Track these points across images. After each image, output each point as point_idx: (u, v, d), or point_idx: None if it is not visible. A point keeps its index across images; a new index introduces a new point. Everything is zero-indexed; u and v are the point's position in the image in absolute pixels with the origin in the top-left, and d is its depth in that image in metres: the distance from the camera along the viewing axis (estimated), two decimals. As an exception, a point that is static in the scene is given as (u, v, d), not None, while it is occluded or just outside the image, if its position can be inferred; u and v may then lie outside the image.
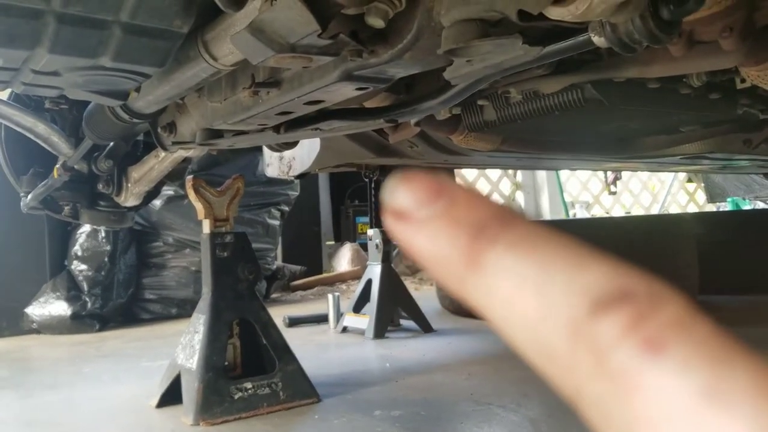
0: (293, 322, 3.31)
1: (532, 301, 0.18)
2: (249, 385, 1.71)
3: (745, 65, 1.25)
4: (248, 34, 0.91)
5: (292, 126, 1.51)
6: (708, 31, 1.16)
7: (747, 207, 7.37)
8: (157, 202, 3.88)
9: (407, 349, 2.57)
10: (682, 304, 0.17)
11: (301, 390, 1.79)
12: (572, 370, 0.17)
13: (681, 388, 0.16)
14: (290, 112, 1.37)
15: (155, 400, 1.84)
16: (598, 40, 0.94)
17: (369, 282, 2.98)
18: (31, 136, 2.01)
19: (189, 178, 1.85)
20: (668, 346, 0.16)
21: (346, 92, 1.19)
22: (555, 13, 0.78)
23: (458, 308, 3.28)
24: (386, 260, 2.97)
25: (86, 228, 3.78)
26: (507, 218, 0.20)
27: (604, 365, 0.17)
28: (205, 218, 1.84)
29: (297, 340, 2.84)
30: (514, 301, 0.19)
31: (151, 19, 0.97)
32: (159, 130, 1.79)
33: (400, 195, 0.21)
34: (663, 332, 0.16)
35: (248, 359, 1.84)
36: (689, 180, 8.77)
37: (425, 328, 2.90)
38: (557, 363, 0.18)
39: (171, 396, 1.82)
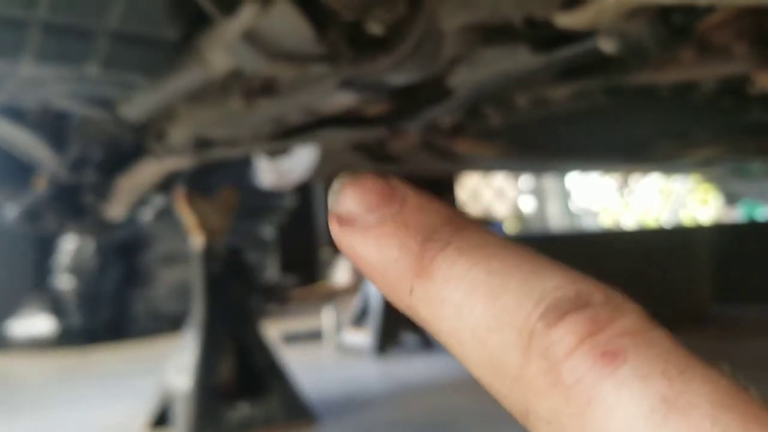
0: (289, 338, 3.31)
1: (484, 309, 0.18)
2: (243, 406, 1.71)
3: (757, 70, 1.25)
4: (242, 42, 0.92)
5: (287, 134, 1.51)
6: (719, 36, 1.17)
7: (762, 211, 7.36)
8: (146, 214, 3.88)
9: (408, 365, 2.57)
10: (641, 313, 0.17)
11: (297, 411, 1.78)
12: (523, 384, 0.17)
13: (638, 401, 0.15)
14: (285, 121, 1.38)
15: (146, 422, 1.83)
16: (607, 46, 0.94)
17: (368, 294, 2.98)
18: (15, 147, 2.01)
19: (180, 189, 1.85)
20: (625, 357, 0.16)
21: (343, 100, 1.19)
22: (563, 20, 0.78)
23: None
24: (386, 272, 2.96)
25: (72, 240, 3.77)
26: (460, 223, 0.19)
27: (558, 378, 0.16)
28: (197, 232, 1.84)
29: (293, 357, 2.82)
30: (464, 309, 0.18)
31: (140, 27, 0.98)
32: (149, 139, 1.79)
33: (347, 198, 0.20)
34: (620, 342, 0.16)
35: (243, 379, 1.83)
36: (701, 184, 8.79)
37: (427, 342, 2.90)
38: (507, 377, 0.17)
39: (162, 418, 1.81)
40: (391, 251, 0.19)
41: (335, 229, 0.20)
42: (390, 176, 0.21)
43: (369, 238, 0.20)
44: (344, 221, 0.20)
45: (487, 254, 0.18)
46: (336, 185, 0.21)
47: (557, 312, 0.17)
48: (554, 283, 0.17)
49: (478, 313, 0.18)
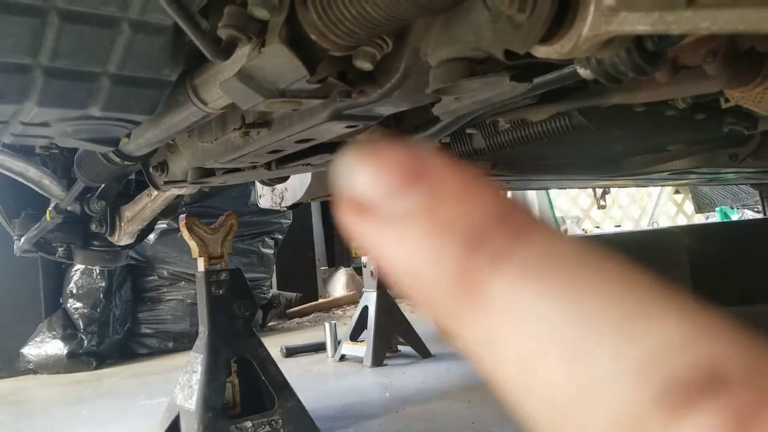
0: (290, 353, 3.28)
1: (561, 370, 0.12)
2: (249, 423, 1.69)
3: (730, 88, 1.25)
4: (237, 81, 0.91)
5: (283, 162, 1.50)
6: (692, 56, 1.17)
7: (735, 215, 7.40)
8: (150, 236, 3.85)
9: (406, 376, 2.55)
10: None
11: (301, 426, 1.76)
12: None
13: None
14: (281, 150, 1.37)
15: (155, 442, 1.82)
16: (584, 73, 0.94)
17: (365, 309, 2.96)
18: (22, 180, 2.00)
19: (182, 216, 1.84)
20: None
21: (335, 130, 1.19)
22: (541, 52, 0.77)
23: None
24: (381, 287, 2.95)
25: (81, 266, 3.75)
26: (519, 222, 0.13)
27: None
28: (200, 256, 1.83)
29: (295, 370, 2.81)
30: (532, 364, 0.13)
31: (139, 68, 0.97)
32: (151, 170, 1.78)
33: (365, 177, 0.14)
34: None
35: (247, 397, 1.81)
36: (677, 191, 8.82)
37: (423, 353, 2.88)
38: None
39: (172, 437, 1.79)
40: (426, 258, 0.14)
41: (349, 218, 0.14)
42: (420, 145, 0.15)
43: (394, 236, 0.14)
44: (361, 208, 0.14)
45: (563, 279, 0.13)
46: (348, 157, 0.15)
47: (681, 400, 0.11)
48: (671, 339, 0.11)
49: (553, 373, 0.12)
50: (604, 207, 8.15)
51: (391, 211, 0.14)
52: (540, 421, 0.13)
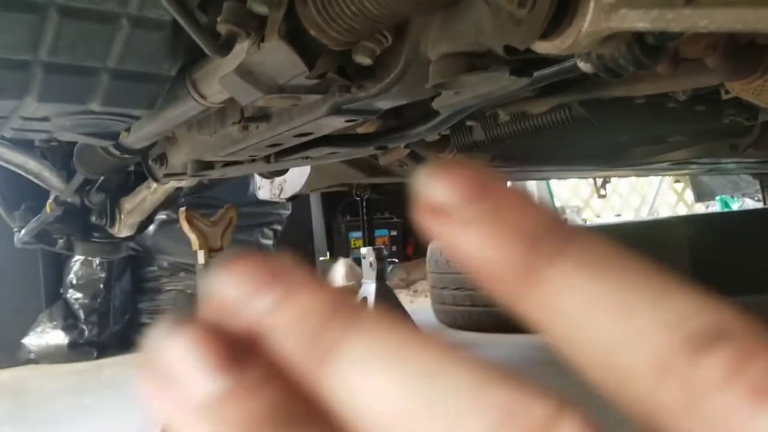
0: (291, 343, 3.30)
1: (609, 327, 0.16)
2: (250, 415, 1.70)
3: (730, 81, 1.25)
4: (236, 76, 0.91)
5: (282, 155, 1.50)
6: (692, 49, 1.17)
7: (735, 204, 7.40)
8: (150, 227, 3.85)
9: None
10: None
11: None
12: (654, 401, 0.16)
13: None
14: (280, 144, 1.37)
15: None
16: (585, 67, 0.94)
17: (364, 300, 2.97)
18: (22, 173, 2.00)
19: (182, 209, 1.84)
20: None
21: (335, 124, 1.19)
22: (541, 47, 0.78)
23: (454, 322, 3.27)
24: (381, 278, 2.96)
25: (81, 256, 3.75)
26: (566, 230, 0.17)
27: (700, 408, 0.15)
28: (200, 249, 1.83)
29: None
30: (585, 324, 0.16)
31: (138, 64, 0.97)
32: (150, 162, 1.78)
33: (440, 189, 0.18)
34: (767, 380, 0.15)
35: (248, 388, 1.82)
36: (677, 181, 8.82)
37: (423, 343, 2.89)
38: (635, 391, 0.16)
39: (172, 428, 1.80)
40: (494, 251, 0.17)
41: (429, 220, 0.18)
42: (482, 167, 0.18)
43: (468, 234, 0.17)
44: (437, 212, 0.18)
45: (609, 268, 0.16)
46: (426, 173, 0.18)
47: (699, 342, 0.15)
48: (689, 307, 0.16)
49: (602, 330, 0.16)
50: (604, 196, 8.15)
51: (464, 215, 0.17)
52: (587, 363, 0.16)
